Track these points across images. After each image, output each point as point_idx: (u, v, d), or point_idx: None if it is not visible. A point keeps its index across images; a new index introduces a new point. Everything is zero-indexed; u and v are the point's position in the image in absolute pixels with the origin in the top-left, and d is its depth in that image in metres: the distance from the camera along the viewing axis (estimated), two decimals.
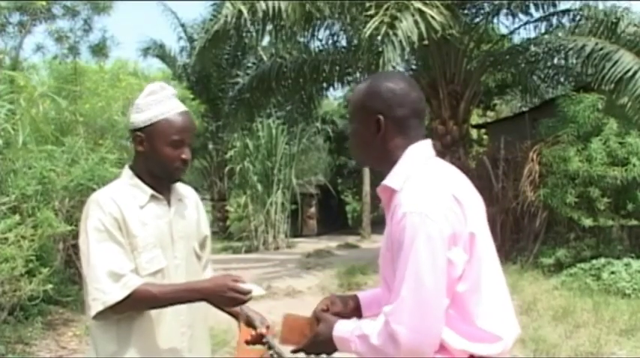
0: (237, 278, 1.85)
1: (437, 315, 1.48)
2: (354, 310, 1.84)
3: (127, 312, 1.84)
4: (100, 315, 1.81)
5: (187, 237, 2.03)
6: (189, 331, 1.99)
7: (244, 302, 1.86)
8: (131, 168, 2.01)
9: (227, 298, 1.82)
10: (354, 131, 1.70)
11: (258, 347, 2.01)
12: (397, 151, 1.63)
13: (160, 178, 1.98)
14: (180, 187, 2.09)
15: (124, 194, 1.93)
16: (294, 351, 1.77)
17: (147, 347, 1.89)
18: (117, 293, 1.79)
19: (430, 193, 1.52)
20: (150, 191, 1.96)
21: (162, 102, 1.94)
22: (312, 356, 1.75)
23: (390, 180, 1.61)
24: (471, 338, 1.51)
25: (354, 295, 1.90)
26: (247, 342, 2.01)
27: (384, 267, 1.63)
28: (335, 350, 1.68)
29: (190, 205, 2.10)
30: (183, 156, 1.94)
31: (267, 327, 2.04)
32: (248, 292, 1.82)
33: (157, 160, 1.94)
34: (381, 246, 1.67)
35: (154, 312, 1.90)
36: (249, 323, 2.05)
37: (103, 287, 1.79)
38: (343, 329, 1.64)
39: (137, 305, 1.83)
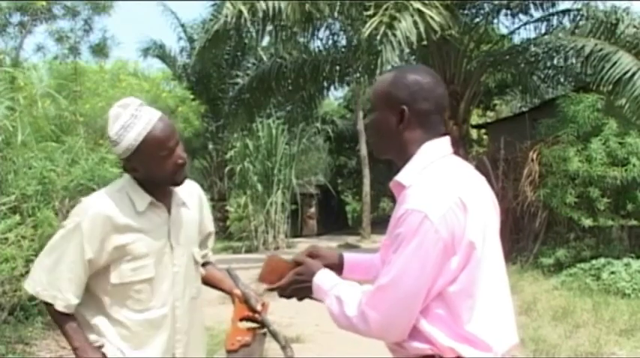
0: None
1: (410, 312, 1.50)
2: (336, 268, 1.86)
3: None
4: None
5: (187, 243, 2.01)
6: (184, 337, 1.98)
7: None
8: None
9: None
10: (374, 120, 1.67)
11: (253, 324, 2.01)
12: (414, 146, 1.61)
13: (162, 185, 1.95)
14: (183, 187, 2.04)
15: (121, 200, 1.89)
16: (269, 290, 1.78)
17: (140, 352, 1.89)
18: (47, 297, 1.86)
19: (435, 194, 1.51)
20: (149, 198, 1.91)
21: (131, 126, 1.83)
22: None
23: (401, 176, 1.60)
24: (459, 339, 1.51)
25: (340, 254, 1.93)
26: (242, 319, 2.01)
27: (384, 256, 1.64)
28: (308, 296, 1.72)
29: (193, 205, 2.05)
30: (179, 161, 1.89)
31: (263, 304, 2.03)
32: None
33: (155, 175, 1.89)
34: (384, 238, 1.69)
35: (148, 318, 1.90)
36: (245, 301, 2.03)
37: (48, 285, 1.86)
38: (325, 279, 1.68)
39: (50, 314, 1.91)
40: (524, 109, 15.38)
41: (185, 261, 1.99)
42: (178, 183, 1.95)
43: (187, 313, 1.98)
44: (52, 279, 1.85)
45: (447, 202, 1.49)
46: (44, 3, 14.48)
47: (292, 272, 1.74)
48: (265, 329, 1.99)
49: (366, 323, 1.52)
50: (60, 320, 1.88)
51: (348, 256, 1.93)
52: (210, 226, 2.16)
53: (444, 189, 1.52)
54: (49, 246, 1.89)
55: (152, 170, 1.87)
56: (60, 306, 1.85)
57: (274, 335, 1.96)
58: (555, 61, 11.52)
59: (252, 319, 2.00)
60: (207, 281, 2.16)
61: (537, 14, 11.55)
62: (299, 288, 1.73)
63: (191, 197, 2.06)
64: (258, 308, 2.00)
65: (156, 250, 1.91)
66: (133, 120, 1.84)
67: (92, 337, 1.89)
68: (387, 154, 1.68)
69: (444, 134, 1.66)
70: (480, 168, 11.16)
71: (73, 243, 1.84)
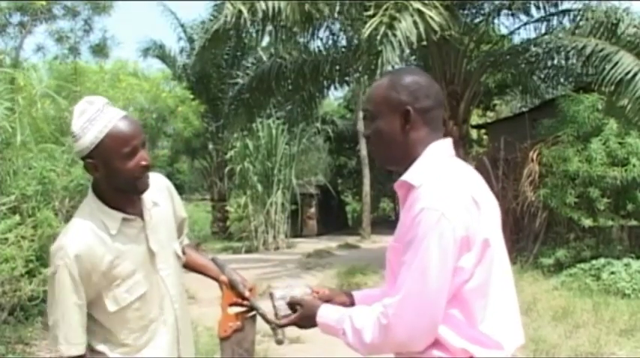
0: None
1: (436, 315, 1.49)
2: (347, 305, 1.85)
3: None
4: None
5: (168, 242, 1.98)
6: (184, 337, 1.99)
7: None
8: (94, 190, 1.89)
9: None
10: (378, 129, 1.65)
11: (243, 308, 2.02)
12: (420, 146, 1.61)
13: (126, 193, 1.87)
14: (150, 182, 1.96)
15: (95, 227, 1.82)
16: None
17: (157, 351, 1.90)
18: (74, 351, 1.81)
19: (450, 192, 1.51)
20: (119, 215, 1.85)
21: (96, 120, 1.78)
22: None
23: (409, 176, 1.59)
24: (472, 340, 1.50)
25: (350, 292, 1.92)
26: (231, 305, 2.02)
27: (392, 258, 1.62)
28: (312, 326, 1.73)
29: (163, 200, 2.01)
30: (143, 162, 1.82)
31: (251, 289, 2.03)
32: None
33: (117, 178, 1.82)
34: (389, 242, 1.67)
35: (145, 321, 1.89)
36: (232, 287, 2.03)
37: (60, 343, 1.80)
38: (328, 316, 1.68)
39: None
40: (524, 109, 15.38)
41: (171, 262, 1.97)
42: (140, 191, 1.88)
43: (182, 311, 1.98)
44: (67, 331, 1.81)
45: (462, 200, 1.50)
46: (44, 3, 14.48)
47: (293, 318, 1.77)
48: (255, 312, 1.99)
49: (391, 336, 1.50)
50: None
51: (357, 292, 1.92)
52: (182, 212, 2.12)
53: (457, 188, 1.53)
54: (49, 301, 1.84)
55: (113, 169, 1.80)
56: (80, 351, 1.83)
57: (264, 318, 1.97)
58: (555, 61, 11.51)
59: (241, 304, 2.01)
60: (189, 267, 2.14)
61: (537, 14, 11.55)
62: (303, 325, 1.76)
63: (160, 191, 2.01)
64: (246, 293, 2.01)
65: (141, 262, 1.88)
66: (98, 114, 1.79)
67: (100, 348, 1.88)
68: (394, 162, 1.66)
69: (445, 130, 1.68)
70: (480, 168, 11.18)
71: (65, 289, 1.79)
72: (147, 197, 1.93)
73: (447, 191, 1.51)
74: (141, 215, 1.91)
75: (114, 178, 1.82)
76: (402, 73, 1.69)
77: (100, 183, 1.87)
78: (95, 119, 1.78)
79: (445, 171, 1.58)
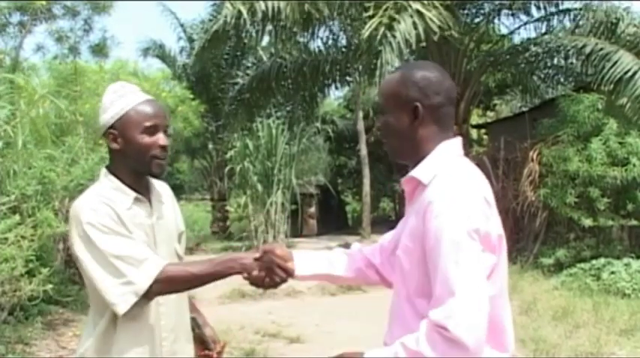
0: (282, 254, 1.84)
1: (487, 309, 1.43)
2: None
3: (160, 296, 1.81)
4: (130, 311, 1.76)
5: (169, 239, 1.99)
6: (171, 335, 1.94)
7: (285, 280, 1.84)
8: (109, 169, 1.93)
9: (269, 275, 1.81)
10: (387, 123, 1.65)
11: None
12: (429, 143, 1.60)
13: (140, 175, 1.91)
14: (157, 185, 2.03)
15: (105, 199, 1.85)
16: None
17: (124, 349, 1.84)
18: (144, 280, 1.74)
19: (465, 192, 1.50)
20: (133, 193, 1.89)
21: (126, 96, 1.90)
22: None
23: (418, 172, 1.58)
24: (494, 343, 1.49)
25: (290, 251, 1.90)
26: (202, 355, 2.12)
27: (404, 258, 1.57)
28: None
29: (168, 203, 2.05)
30: (161, 142, 1.88)
31: (223, 346, 2.12)
32: (291, 271, 1.83)
33: (134, 152, 1.87)
34: (401, 239, 1.62)
35: (135, 317, 1.83)
36: (202, 342, 2.11)
37: (129, 278, 1.73)
38: (376, 353, 1.52)
39: (170, 286, 1.79)
40: (524, 109, 15.38)
41: (168, 258, 1.95)
42: (153, 172, 1.92)
43: (173, 310, 1.95)
44: (128, 267, 1.74)
45: (475, 200, 1.49)
46: (44, 3, 14.46)
47: None
48: None
49: (460, 347, 1.37)
50: (179, 278, 1.78)
51: (297, 253, 1.88)
52: (181, 225, 2.13)
53: (470, 188, 1.52)
54: (102, 253, 1.76)
55: (132, 142, 1.86)
56: (159, 268, 1.76)
57: None
58: (555, 61, 11.55)
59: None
60: None
61: (537, 14, 11.57)
62: None
63: (166, 196, 2.05)
64: (217, 348, 2.12)
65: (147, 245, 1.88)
66: (128, 93, 1.91)
67: (87, 344, 1.86)
68: (403, 156, 1.65)
69: (457, 131, 1.67)
70: (480, 168, 11.16)
71: (101, 235, 1.77)
72: (156, 190, 1.99)
73: (462, 191, 1.50)
74: (150, 203, 1.95)
75: (131, 152, 1.87)
76: (413, 67, 1.65)
77: (117, 160, 1.92)
78: (124, 95, 1.91)
79: (456, 171, 1.56)
